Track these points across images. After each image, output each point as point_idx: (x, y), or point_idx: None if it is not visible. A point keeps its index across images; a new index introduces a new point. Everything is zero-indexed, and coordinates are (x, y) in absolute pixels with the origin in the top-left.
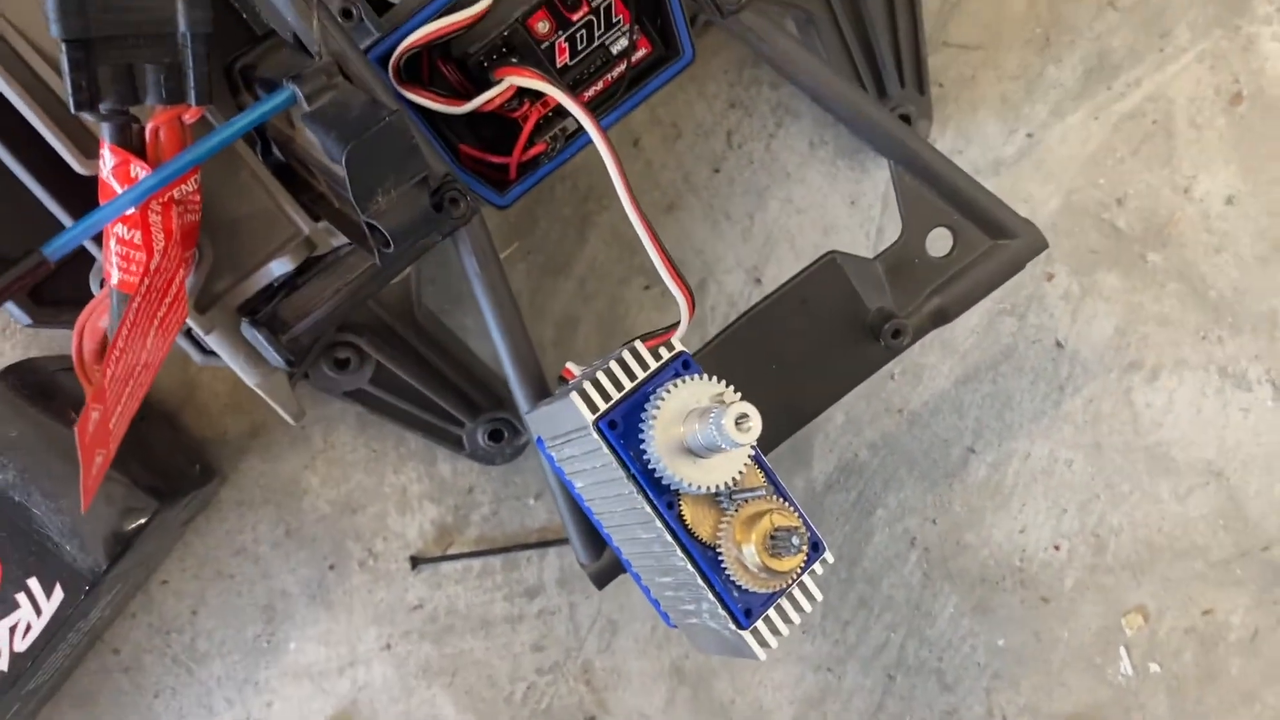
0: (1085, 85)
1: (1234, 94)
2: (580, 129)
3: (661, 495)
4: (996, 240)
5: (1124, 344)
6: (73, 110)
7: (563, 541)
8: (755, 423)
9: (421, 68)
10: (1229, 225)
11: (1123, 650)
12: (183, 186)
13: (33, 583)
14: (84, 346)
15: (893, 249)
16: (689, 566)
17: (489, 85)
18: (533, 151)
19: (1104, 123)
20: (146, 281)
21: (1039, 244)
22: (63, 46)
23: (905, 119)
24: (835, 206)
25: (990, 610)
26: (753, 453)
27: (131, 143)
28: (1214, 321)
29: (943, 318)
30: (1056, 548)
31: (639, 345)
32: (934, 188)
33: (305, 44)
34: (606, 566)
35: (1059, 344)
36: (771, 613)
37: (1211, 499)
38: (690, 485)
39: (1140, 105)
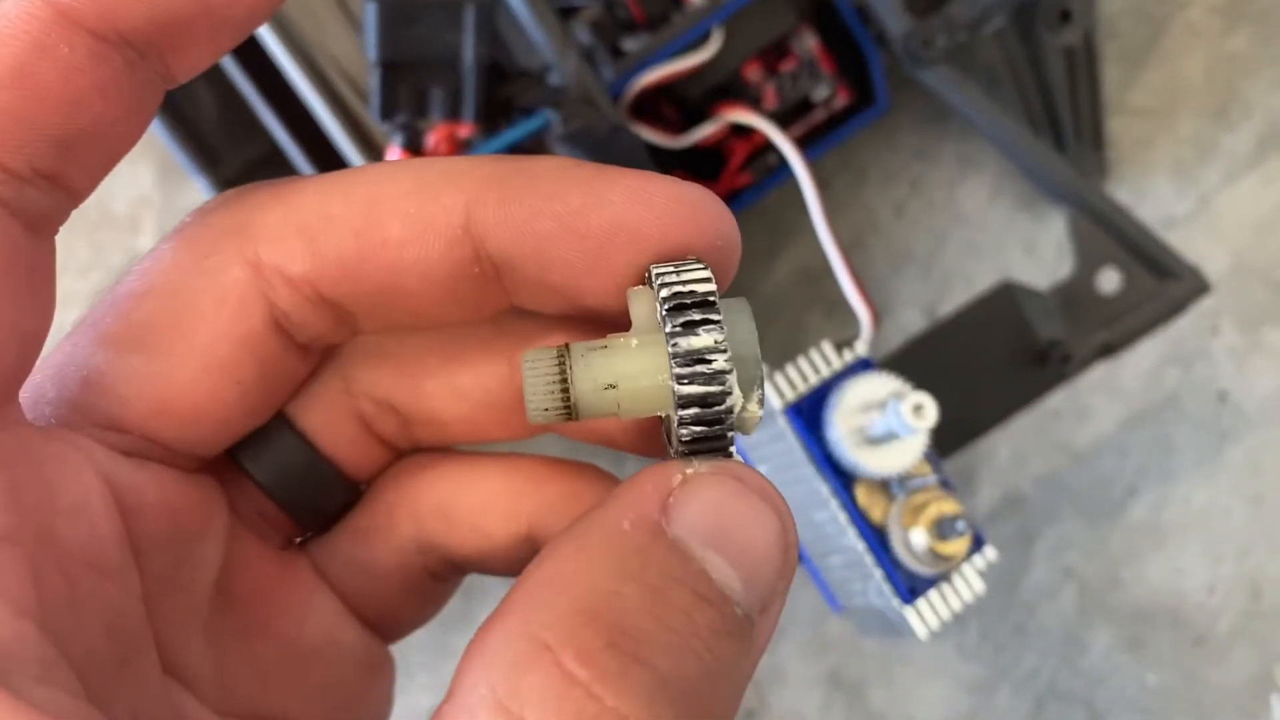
0: (1258, 153)
1: None
2: (778, 165)
3: (838, 478)
4: (1162, 281)
5: None
6: (377, 119)
7: None
8: (931, 411)
9: (644, 105)
10: None
11: (1274, 700)
12: None
13: None
14: None
15: (1064, 284)
16: (859, 545)
17: (702, 122)
18: (739, 181)
19: (1275, 189)
20: None
21: (1202, 286)
22: (376, 69)
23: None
24: (1012, 252)
25: (1143, 646)
26: (926, 446)
27: (415, 150)
28: None
29: (1109, 350)
30: (1212, 592)
31: (826, 345)
32: (1105, 230)
33: (556, 79)
34: None
35: (1222, 395)
36: (933, 594)
37: None
38: (868, 469)
39: None
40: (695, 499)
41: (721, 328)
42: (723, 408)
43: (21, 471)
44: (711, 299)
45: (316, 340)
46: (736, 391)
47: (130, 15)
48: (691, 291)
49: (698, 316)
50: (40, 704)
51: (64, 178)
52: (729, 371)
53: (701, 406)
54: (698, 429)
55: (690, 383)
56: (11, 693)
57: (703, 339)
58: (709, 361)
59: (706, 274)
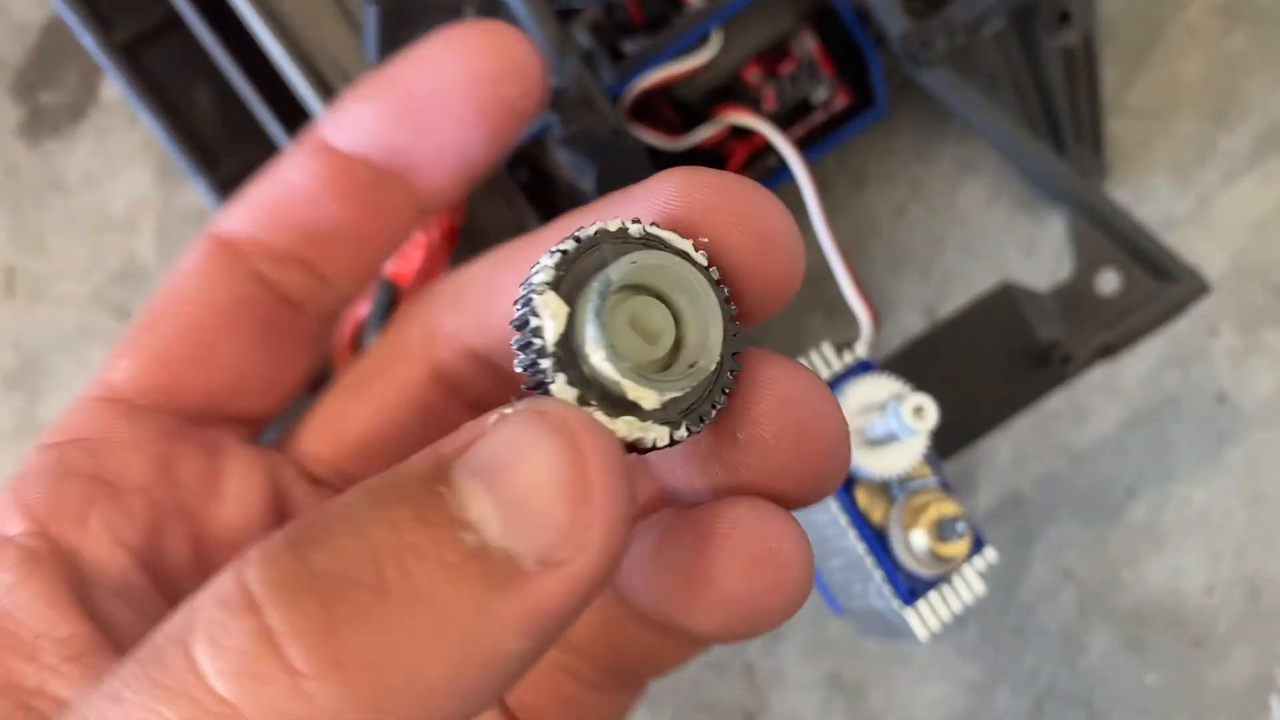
0: (1257, 154)
1: None
2: (778, 167)
3: None
4: (1161, 283)
5: None
6: None
7: None
8: (931, 413)
9: (644, 107)
10: None
11: (1274, 701)
12: None
13: None
14: (343, 330)
15: (1064, 286)
16: (860, 546)
17: (701, 124)
18: None
19: (1274, 190)
20: (420, 271)
21: (1201, 288)
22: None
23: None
24: (1011, 254)
25: (1142, 647)
26: (926, 448)
27: None
28: None
29: (1108, 351)
30: (1211, 592)
31: (826, 346)
32: (1105, 232)
33: (556, 81)
34: None
35: (1221, 396)
36: (933, 595)
37: None
38: (868, 472)
39: None
40: (491, 434)
41: (555, 255)
42: (530, 329)
43: (189, 451)
44: (581, 237)
45: (485, 398)
46: (554, 323)
47: (370, 146)
48: (589, 233)
49: (553, 247)
50: (103, 614)
51: (315, 264)
52: (538, 292)
53: (518, 329)
54: (521, 356)
55: (518, 303)
56: (66, 590)
57: (540, 261)
58: (530, 282)
59: (619, 223)
